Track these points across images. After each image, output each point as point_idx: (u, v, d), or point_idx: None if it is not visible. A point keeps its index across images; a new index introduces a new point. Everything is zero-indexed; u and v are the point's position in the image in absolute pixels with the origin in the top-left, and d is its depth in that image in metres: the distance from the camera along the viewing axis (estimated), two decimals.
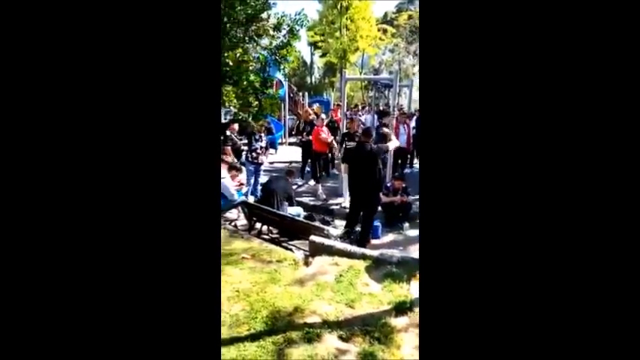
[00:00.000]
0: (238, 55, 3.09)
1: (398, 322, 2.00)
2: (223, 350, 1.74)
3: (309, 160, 5.84)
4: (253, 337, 1.85)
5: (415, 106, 11.16)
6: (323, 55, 16.56)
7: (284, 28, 3.44)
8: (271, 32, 3.46)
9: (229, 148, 5.02)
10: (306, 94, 11.53)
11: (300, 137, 6.34)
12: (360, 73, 14.93)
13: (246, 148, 5.02)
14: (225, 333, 1.89)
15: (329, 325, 1.97)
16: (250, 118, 3.61)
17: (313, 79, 20.85)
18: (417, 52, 19.34)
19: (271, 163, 7.11)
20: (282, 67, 3.66)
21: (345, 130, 5.41)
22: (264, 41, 3.50)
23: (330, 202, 5.17)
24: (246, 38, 3.36)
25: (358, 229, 3.73)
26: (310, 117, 6.42)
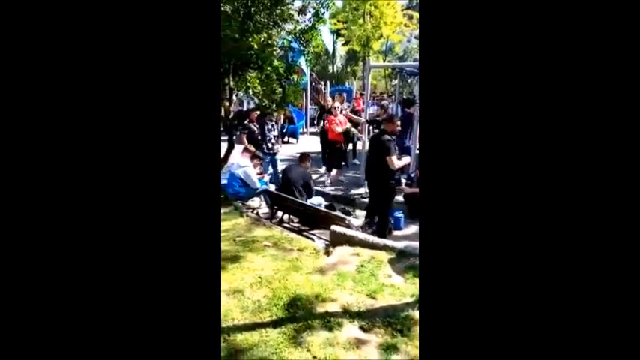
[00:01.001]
0: (263, 39, 3.05)
1: None
2: (246, 335, 1.77)
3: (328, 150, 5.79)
4: (275, 324, 1.87)
5: None
6: (345, 44, 16.24)
7: (309, 12, 3.36)
8: (296, 16, 3.39)
9: (244, 137, 5.00)
10: (328, 82, 11.41)
11: (319, 127, 6.30)
12: (384, 61, 14.57)
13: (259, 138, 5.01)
14: (247, 318, 1.92)
15: (350, 314, 1.96)
16: (274, 106, 3.59)
17: (335, 68, 20.59)
18: None
19: (291, 153, 7.11)
20: (306, 51, 3.60)
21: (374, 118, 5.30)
22: (289, 26, 3.43)
23: (352, 192, 5.13)
24: (271, 23, 3.30)
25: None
26: (329, 105, 6.32)
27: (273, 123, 5.07)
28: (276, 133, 5.02)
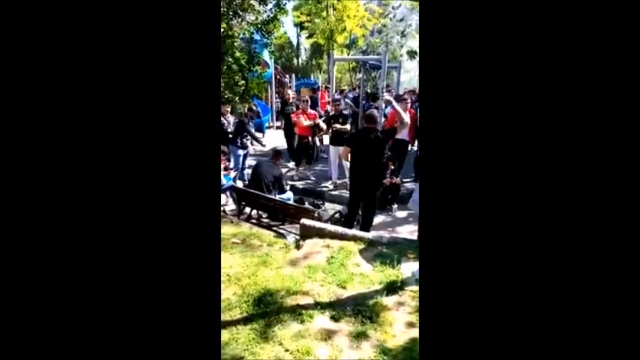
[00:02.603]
0: (222, 29, 2.94)
1: (389, 300, 2.02)
2: None
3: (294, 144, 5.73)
4: (246, 320, 1.84)
5: (404, 87, 11.03)
6: (309, 37, 16.15)
7: (270, 2, 3.28)
8: (257, 7, 3.30)
9: None
10: (293, 76, 11.30)
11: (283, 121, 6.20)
12: (348, 55, 14.67)
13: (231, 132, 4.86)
14: None
15: (321, 305, 1.98)
16: (237, 98, 3.49)
17: (300, 61, 20.43)
18: (405, 32, 19.12)
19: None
20: (269, 43, 3.53)
21: (332, 113, 5.30)
22: (250, 17, 3.34)
23: (321, 185, 5.15)
24: (230, 12, 3.19)
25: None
26: (290, 99, 6.21)
27: (251, 118, 4.94)
28: (252, 128, 4.90)
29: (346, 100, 6.34)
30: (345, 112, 5.22)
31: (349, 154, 3.51)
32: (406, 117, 3.51)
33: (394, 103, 3.60)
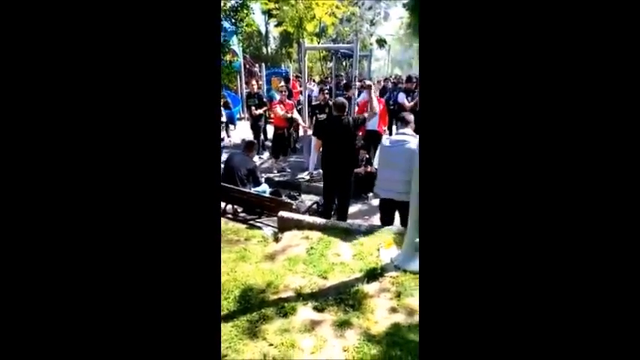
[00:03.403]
0: None
1: (370, 288, 2.05)
2: None
3: (266, 135, 5.61)
4: (227, 318, 1.81)
5: (375, 76, 11.05)
6: (278, 25, 15.75)
7: None
8: None
9: None
10: (263, 65, 11.03)
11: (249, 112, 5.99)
12: (318, 43, 14.50)
13: None
14: None
15: (303, 297, 1.98)
16: None
17: (269, 50, 19.95)
18: (374, 20, 19.14)
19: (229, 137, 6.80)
20: (239, 31, 3.39)
21: (315, 103, 5.21)
22: None
23: (297, 176, 5.12)
24: None
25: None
26: (254, 90, 6.02)
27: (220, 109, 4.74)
28: (223, 119, 4.69)
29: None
30: (331, 102, 5.15)
31: (321, 145, 3.46)
32: (377, 106, 3.50)
33: (373, 89, 3.46)
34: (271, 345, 1.62)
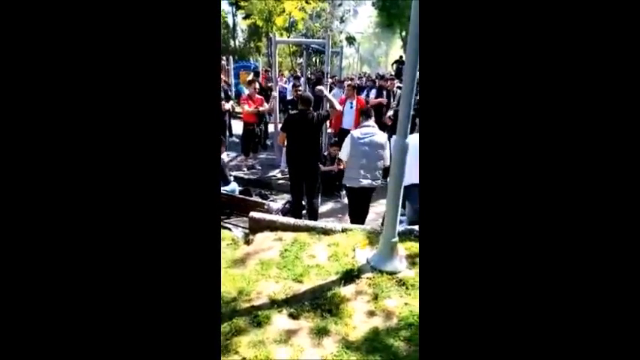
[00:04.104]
0: None
1: (346, 290, 1.99)
2: None
3: (230, 132, 5.39)
4: None
5: (345, 73, 11.06)
6: (246, 17, 15.29)
7: None
8: None
9: None
10: (231, 58, 10.66)
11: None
12: (288, 38, 14.27)
13: None
14: None
15: (277, 304, 1.87)
16: None
17: (237, 43, 19.37)
18: (344, 17, 19.20)
19: None
20: None
21: (289, 98, 5.07)
22: None
23: (268, 174, 4.96)
24: None
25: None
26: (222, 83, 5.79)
27: None
28: None
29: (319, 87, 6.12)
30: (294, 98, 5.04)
31: (285, 140, 3.41)
32: (337, 104, 3.59)
33: (325, 92, 3.77)
34: (244, 359, 1.51)
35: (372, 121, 3.13)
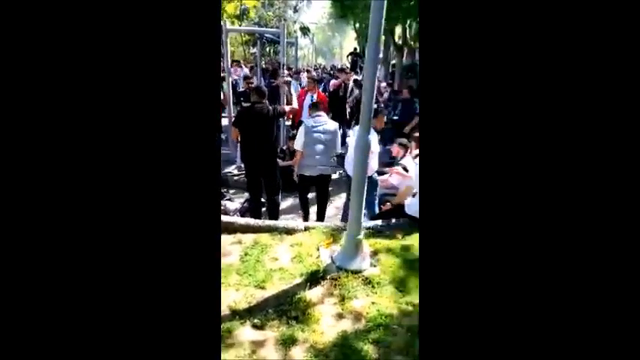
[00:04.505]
0: None
1: (312, 294, 1.92)
2: None
3: None
4: None
5: (300, 64, 10.88)
6: None
7: None
8: None
9: None
10: None
11: None
12: (240, 26, 13.66)
13: None
14: None
15: (240, 315, 1.75)
16: None
17: None
18: (297, 7, 18.85)
19: None
20: None
21: (240, 90, 4.80)
22: None
23: (225, 170, 4.69)
24: None
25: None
26: None
27: None
28: None
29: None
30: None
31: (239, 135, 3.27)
32: (295, 103, 3.65)
33: (286, 89, 3.79)
34: None
35: (322, 112, 3.24)
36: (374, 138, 2.65)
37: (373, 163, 2.90)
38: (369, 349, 1.54)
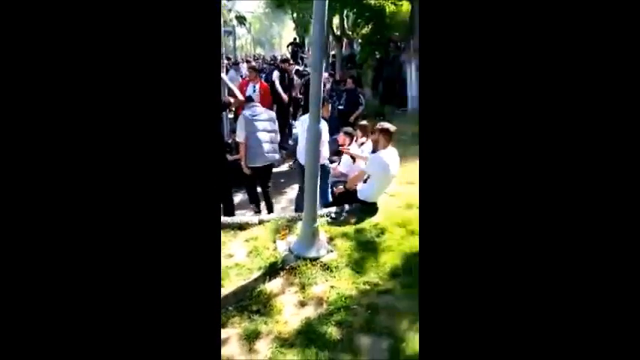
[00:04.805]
0: None
1: (272, 285, 1.91)
2: None
3: None
4: None
5: (238, 54, 10.49)
6: None
7: None
8: None
9: None
10: None
11: None
12: None
13: None
14: None
15: None
16: None
17: None
18: None
19: None
20: None
21: None
22: None
23: None
24: None
25: None
26: None
27: None
28: None
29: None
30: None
31: None
32: (239, 93, 3.54)
33: (225, 79, 3.65)
34: None
35: (257, 103, 3.33)
36: (324, 126, 2.66)
37: (324, 151, 2.94)
38: (332, 331, 1.59)
